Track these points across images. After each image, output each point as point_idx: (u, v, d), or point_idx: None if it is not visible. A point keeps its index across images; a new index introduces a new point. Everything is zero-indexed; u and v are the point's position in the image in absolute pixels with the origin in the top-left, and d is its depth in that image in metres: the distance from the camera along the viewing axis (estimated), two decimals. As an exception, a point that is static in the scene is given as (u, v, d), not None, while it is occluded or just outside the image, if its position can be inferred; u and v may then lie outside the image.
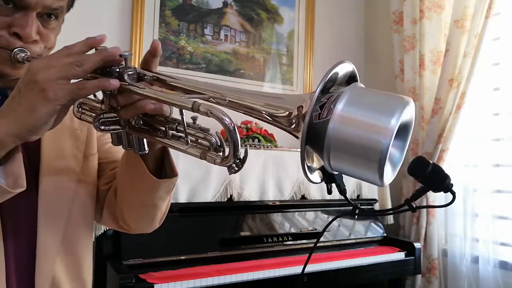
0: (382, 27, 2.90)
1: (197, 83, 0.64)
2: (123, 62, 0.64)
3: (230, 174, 0.63)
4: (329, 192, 0.60)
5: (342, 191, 0.60)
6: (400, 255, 2.18)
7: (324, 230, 0.77)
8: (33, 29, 0.70)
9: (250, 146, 2.20)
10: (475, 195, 2.26)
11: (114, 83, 0.60)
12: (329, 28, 2.93)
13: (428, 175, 0.62)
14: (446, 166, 2.36)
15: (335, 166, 0.54)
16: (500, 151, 2.21)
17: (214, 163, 0.61)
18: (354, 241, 2.21)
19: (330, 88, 0.56)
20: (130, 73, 0.63)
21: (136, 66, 0.66)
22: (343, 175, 0.59)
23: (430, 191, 0.69)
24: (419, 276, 2.36)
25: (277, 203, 2.07)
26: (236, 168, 0.61)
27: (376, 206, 2.44)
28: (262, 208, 2.04)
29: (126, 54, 0.63)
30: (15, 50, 0.69)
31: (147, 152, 0.73)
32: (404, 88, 2.58)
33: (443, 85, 2.35)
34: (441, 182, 0.62)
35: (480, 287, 2.18)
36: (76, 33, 0.86)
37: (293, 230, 2.05)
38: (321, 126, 0.52)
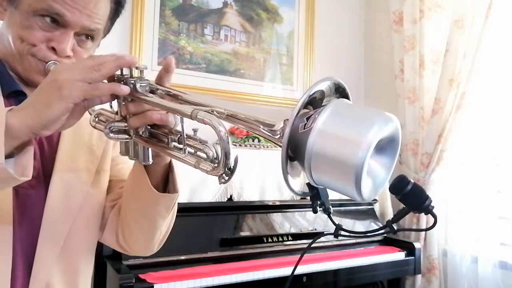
0: (382, 27, 2.90)
1: (204, 99, 0.68)
2: (139, 74, 0.69)
3: (220, 183, 0.66)
4: (314, 211, 0.60)
5: (327, 210, 0.60)
6: (400, 255, 2.18)
7: (308, 246, 0.78)
8: (68, 45, 0.77)
9: (250, 146, 2.20)
10: (475, 195, 2.26)
11: (125, 89, 0.65)
12: (329, 28, 2.93)
13: (407, 195, 0.61)
14: (446, 166, 2.37)
15: (316, 179, 0.55)
16: (500, 151, 2.21)
17: (207, 173, 0.65)
18: (354, 241, 2.21)
19: (323, 100, 0.58)
20: (143, 84, 0.69)
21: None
22: (328, 192, 0.59)
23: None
24: (419, 276, 2.36)
25: (277, 203, 2.07)
26: (226, 178, 0.64)
27: (376, 207, 2.44)
28: (262, 208, 2.04)
29: (142, 67, 0.69)
30: (49, 62, 0.76)
31: (150, 163, 0.77)
32: (404, 88, 2.58)
33: (443, 85, 2.35)
34: (421, 203, 0.61)
35: (480, 287, 2.18)
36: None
37: (293, 230, 2.05)
38: (304, 137, 0.53)
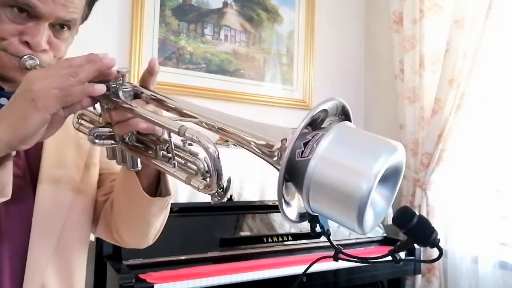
0: (382, 27, 2.90)
1: (192, 106, 0.64)
2: (121, 78, 0.64)
3: (213, 203, 0.62)
4: (313, 231, 0.57)
5: (325, 233, 0.57)
6: (400, 255, 2.17)
7: (304, 272, 0.76)
8: (43, 38, 0.71)
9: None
10: (475, 195, 2.26)
11: (99, 87, 0.60)
12: (329, 28, 2.93)
13: (413, 228, 0.58)
14: (446, 166, 2.37)
15: (314, 208, 0.52)
16: (500, 151, 2.21)
17: (198, 190, 0.61)
18: (354, 241, 2.21)
19: (323, 121, 0.55)
20: (126, 90, 0.64)
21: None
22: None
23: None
24: (419, 276, 2.36)
25: (277, 203, 2.07)
26: (219, 198, 0.61)
27: (376, 206, 2.43)
28: (262, 208, 2.04)
29: (124, 70, 0.63)
30: (24, 57, 0.70)
31: (139, 169, 0.73)
32: (404, 88, 2.58)
33: (443, 85, 2.35)
34: (427, 237, 0.58)
35: (480, 287, 2.18)
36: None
37: (293, 230, 2.05)
38: (302, 164, 0.50)
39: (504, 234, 2.16)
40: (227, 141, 2.21)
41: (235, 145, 2.20)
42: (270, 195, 2.09)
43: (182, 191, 1.84)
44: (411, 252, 2.18)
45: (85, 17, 0.81)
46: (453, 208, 2.35)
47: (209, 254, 1.78)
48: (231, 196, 2.00)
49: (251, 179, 2.05)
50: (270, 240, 1.94)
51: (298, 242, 2.00)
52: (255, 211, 2.01)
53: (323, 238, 2.07)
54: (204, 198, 2.07)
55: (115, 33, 2.22)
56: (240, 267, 1.74)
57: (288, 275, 1.77)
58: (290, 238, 1.99)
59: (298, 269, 1.81)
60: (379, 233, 2.33)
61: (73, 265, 0.85)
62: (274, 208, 2.07)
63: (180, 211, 1.78)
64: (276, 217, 2.07)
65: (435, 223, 2.36)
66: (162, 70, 2.30)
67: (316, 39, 2.85)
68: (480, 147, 2.27)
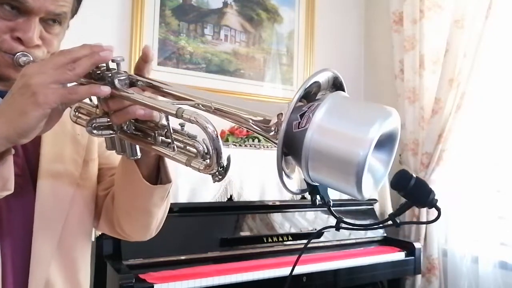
0: (382, 27, 2.90)
1: (188, 90, 0.65)
2: (115, 67, 0.64)
3: (214, 182, 0.63)
4: (313, 203, 0.57)
5: (326, 203, 0.58)
6: (400, 255, 2.18)
7: (309, 241, 0.76)
8: (35, 33, 0.71)
9: (250, 146, 2.20)
10: (475, 195, 2.26)
11: (105, 89, 0.61)
12: (329, 28, 2.93)
13: (411, 190, 0.59)
14: (446, 166, 2.37)
15: (314, 177, 0.53)
16: (500, 150, 2.21)
17: (199, 171, 0.62)
18: (354, 241, 2.21)
19: (317, 94, 0.56)
20: (121, 78, 0.64)
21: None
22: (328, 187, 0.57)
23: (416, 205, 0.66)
24: (419, 276, 2.36)
25: (277, 203, 2.07)
26: (220, 176, 0.61)
27: (376, 206, 2.43)
28: (262, 208, 2.04)
29: (118, 59, 0.64)
30: (17, 54, 0.70)
31: (139, 157, 0.74)
32: (404, 88, 2.58)
33: (443, 85, 2.35)
34: (425, 198, 0.60)
35: (480, 287, 2.18)
36: (76, 33, 0.86)
37: (293, 230, 2.05)
38: (299, 135, 0.50)
39: (504, 234, 2.16)
40: (227, 140, 2.21)
41: (235, 145, 2.20)
42: (270, 195, 2.09)
43: (182, 191, 1.83)
44: (411, 252, 2.18)
45: (75, 11, 0.81)
46: (453, 208, 2.35)
47: (209, 254, 1.78)
48: (231, 196, 2.00)
49: (251, 179, 2.04)
50: (270, 240, 1.94)
51: (298, 242, 2.00)
52: (255, 211, 2.01)
53: (323, 238, 2.08)
54: (204, 198, 2.07)
55: (115, 33, 2.22)
56: (240, 267, 1.74)
57: (288, 275, 1.77)
58: (290, 238, 1.99)
59: (298, 269, 1.81)
60: (379, 233, 2.33)
61: (77, 259, 0.85)
62: (274, 208, 2.07)
63: (180, 211, 1.78)
64: (276, 217, 2.07)
65: (435, 223, 2.36)
66: (162, 70, 2.31)
67: (316, 39, 2.85)
68: (480, 147, 2.27)
